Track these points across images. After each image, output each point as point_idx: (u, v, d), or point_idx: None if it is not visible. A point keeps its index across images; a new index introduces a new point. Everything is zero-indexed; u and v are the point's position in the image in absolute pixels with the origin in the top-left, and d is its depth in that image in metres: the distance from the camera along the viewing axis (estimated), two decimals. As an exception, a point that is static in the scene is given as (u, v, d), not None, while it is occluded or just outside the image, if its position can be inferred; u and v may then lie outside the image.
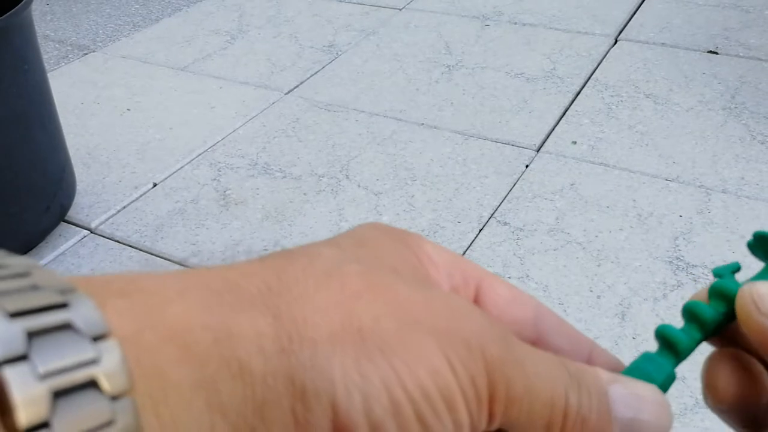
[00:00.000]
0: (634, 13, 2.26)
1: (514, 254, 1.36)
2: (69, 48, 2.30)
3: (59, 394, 0.14)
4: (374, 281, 0.20)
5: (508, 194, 1.52)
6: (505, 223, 1.44)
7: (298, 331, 0.18)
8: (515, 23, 2.24)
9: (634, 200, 1.48)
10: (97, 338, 0.15)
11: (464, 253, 1.37)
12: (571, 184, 1.54)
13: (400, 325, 0.19)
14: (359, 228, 0.23)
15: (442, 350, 0.19)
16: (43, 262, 1.42)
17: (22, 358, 0.14)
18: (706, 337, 0.24)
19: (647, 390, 0.22)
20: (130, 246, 1.46)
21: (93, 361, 0.15)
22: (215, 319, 0.17)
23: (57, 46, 2.32)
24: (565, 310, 1.24)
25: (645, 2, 2.32)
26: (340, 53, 2.14)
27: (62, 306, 0.15)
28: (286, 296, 0.19)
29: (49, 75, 1.47)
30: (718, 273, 0.25)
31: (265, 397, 0.17)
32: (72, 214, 1.54)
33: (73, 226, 1.51)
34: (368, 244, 0.22)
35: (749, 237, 0.26)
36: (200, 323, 0.17)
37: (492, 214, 1.47)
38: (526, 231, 1.42)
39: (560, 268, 1.33)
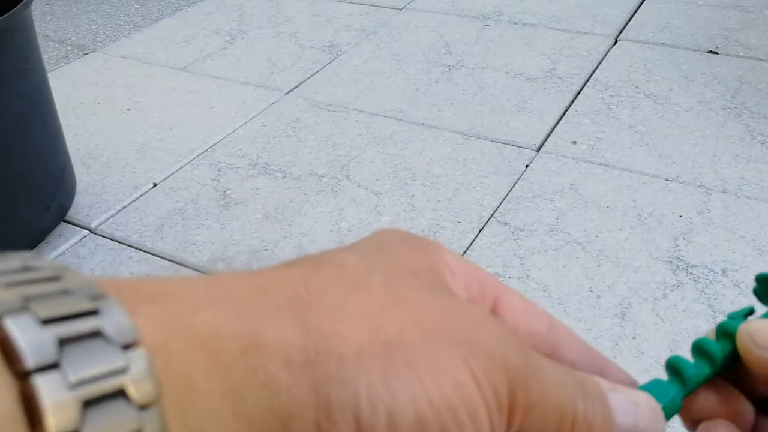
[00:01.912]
0: (634, 13, 2.26)
1: (514, 254, 1.36)
2: (69, 48, 2.30)
3: (89, 403, 0.14)
4: (398, 292, 0.20)
5: (508, 194, 1.52)
6: (505, 223, 1.44)
7: (325, 343, 0.18)
8: (515, 23, 2.24)
9: (634, 200, 1.48)
10: (126, 346, 0.15)
11: (464, 253, 1.37)
12: (571, 184, 1.54)
13: (423, 337, 0.19)
14: (380, 233, 0.23)
15: (465, 361, 0.19)
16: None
17: (53, 366, 0.14)
18: (715, 372, 0.25)
19: (643, 398, 0.23)
20: (130, 246, 1.46)
21: (122, 370, 0.15)
22: (243, 328, 0.17)
23: (57, 46, 2.32)
24: (565, 310, 1.24)
25: (645, 2, 2.32)
26: (340, 53, 2.14)
27: (93, 313, 0.15)
28: (316, 307, 0.19)
29: (49, 75, 1.47)
30: (731, 317, 0.26)
31: (291, 407, 0.17)
32: (72, 214, 1.54)
33: (73, 226, 1.51)
34: (390, 250, 0.22)
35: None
36: (229, 331, 0.17)
37: (492, 214, 1.47)
38: (526, 231, 1.42)
39: (560, 268, 1.33)
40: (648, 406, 0.23)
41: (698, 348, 0.25)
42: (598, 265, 1.33)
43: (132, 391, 0.15)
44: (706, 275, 1.29)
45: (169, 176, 1.65)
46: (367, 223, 1.46)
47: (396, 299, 0.20)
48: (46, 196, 1.44)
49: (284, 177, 1.62)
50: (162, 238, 1.47)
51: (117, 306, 0.16)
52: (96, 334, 0.15)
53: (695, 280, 1.28)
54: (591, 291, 1.27)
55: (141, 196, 1.60)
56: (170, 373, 0.16)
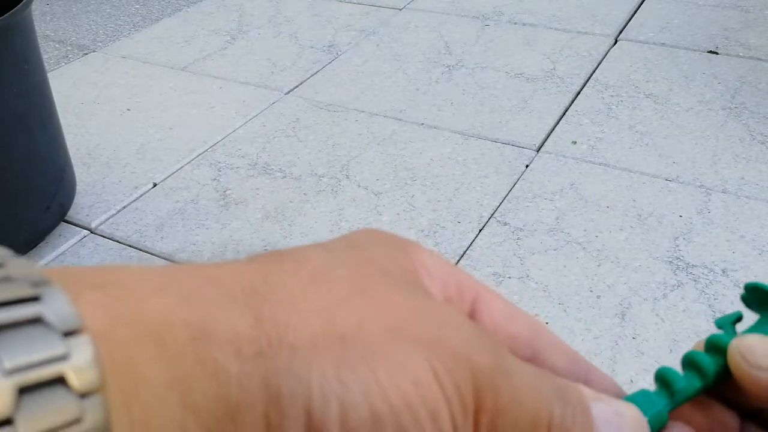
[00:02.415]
0: (634, 13, 2.26)
1: (514, 254, 1.36)
2: (69, 48, 2.30)
3: (25, 391, 0.14)
4: (362, 286, 0.20)
5: (508, 194, 1.52)
6: (505, 223, 1.44)
7: (278, 334, 0.18)
8: (515, 23, 2.24)
9: (634, 200, 1.48)
10: (68, 333, 0.15)
11: (464, 253, 1.37)
12: (571, 184, 1.54)
13: (384, 332, 0.18)
14: (356, 233, 0.23)
15: (427, 359, 0.18)
16: (43, 262, 1.42)
17: None
18: (706, 386, 0.24)
19: (628, 409, 0.22)
20: (130, 246, 1.46)
21: (62, 357, 0.14)
22: (193, 316, 0.17)
23: (57, 46, 2.32)
24: (565, 310, 1.24)
25: (645, 2, 2.32)
26: (340, 53, 2.14)
27: (34, 299, 0.15)
28: (271, 299, 0.18)
29: (49, 75, 1.47)
30: (719, 324, 0.25)
31: (240, 399, 0.17)
32: (72, 214, 1.54)
33: (73, 226, 1.51)
34: (361, 247, 0.22)
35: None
36: (178, 319, 0.17)
37: (492, 214, 1.47)
38: (526, 231, 1.42)
39: (560, 268, 1.33)
40: (633, 418, 0.22)
41: (689, 361, 0.24)
42: (598, 265, 1.33)
43: (72, 379, 0.14)
44: (706, 275, 1.29)
45: (169, 176, 1.65)
46: (367, 223, 1.46)
47: (359, 293, 0.19)
48: (46, 196, 1.44)
49: (284, 177, 1.62)
50: (162, 238, 1.47)
51: (60, 292, 0.15)
52: (36, 321, 0.15)
53: (695, 280, 1.28)
54: (591, 291, 1.27)
55: (141, 196, 1.60)
56: (114, 361, 0.15)
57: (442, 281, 0.23)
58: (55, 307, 0.15)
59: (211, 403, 0.16)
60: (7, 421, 0.13)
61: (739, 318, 0.25)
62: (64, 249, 1.46)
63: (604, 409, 0.21)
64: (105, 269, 0.18)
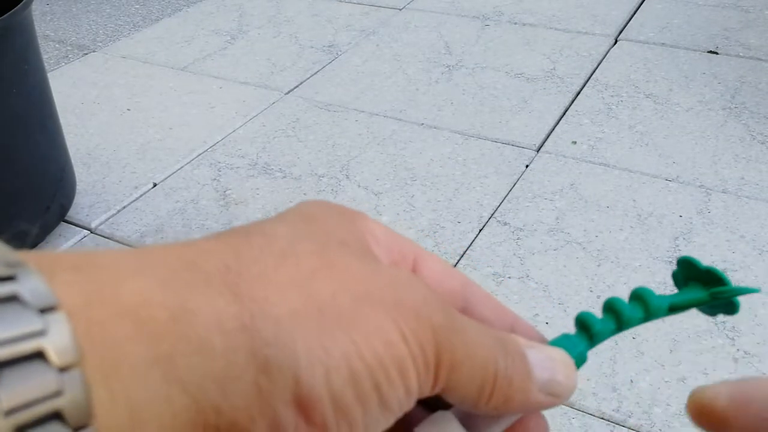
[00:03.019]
0: (634, 13, 2.26)
1: (514, 254, 1.36)
2: (69, 48, 2.30)
3: (5, 365, 0.14)
4: (327, 258, 0.21)
5: (508, 194, 1.52)
6: (505, 223, 1.44)
7: (260, 309, 0.18)
8: (515, 23, 2.24)
9: (634, 200, 1.48)
10: (44, 310, 0.15)
11: (464, 253, 1.37)
12: (571, 184, 1.54)
13: (354, 300, 0.20)
14: (305, 204, 0.24)
15: (394, 321, 0.20)
16: (43, 262, 1.42)
17: None
18: (620, 330, 0.26)
19: (557, 353, 0.24)
20: (130, 246, 1.46)
21: (40, 333, 0.15)
22: (172, 297, 0.17)
23: (57, 46, 2.32)
24: (565, 310, 1.24)
25: (645, 2, 2.32)
26: (340, 53, 2.14)
27: (9, 278, 0.15)
28: (246, 275, 0.19)
29: (49, 75, 1.47)
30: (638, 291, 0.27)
31: (227, 371, 0.17)
32: (72, 214, 1.54)
33: (73, 226, 1.51)
34: (317, 221, 0.23)
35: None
36: (156, 301, 0.17)
37: (492, 214, 1.47)
38: (526, 231, 1.42)
39: (560, 268, 1.33)
40: (562, 361, 0.24)
41: (609, 306, 0.26)
42: (598, 265, 1.33)
43: (51, 354, 0.15)
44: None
45: (169, 176, 1.65)
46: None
47: (326, 266, 0.21)
48: (46, 196, 1.44)
49: (284, 177, 1.62)
50: (162, 238, 1.47)
51: (35, 273, 0.16)
52: (11, 299, 0.15)
53: (695, 280, 1.28)
54: (591, 291, 1.27)
55: (141, 196, 1.60)
56: (92, 339, 0.16)
57: (387, 247, 0.25)
58: (30, 286, 0.15)
59: (197, 376, 0.17)
60: None
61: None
62: (64, 249, 1.46)
63: (537, 355, 0.23)
64: (81, 253, 0.18)
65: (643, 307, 0.26)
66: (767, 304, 1.19)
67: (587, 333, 0.26)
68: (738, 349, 1.15)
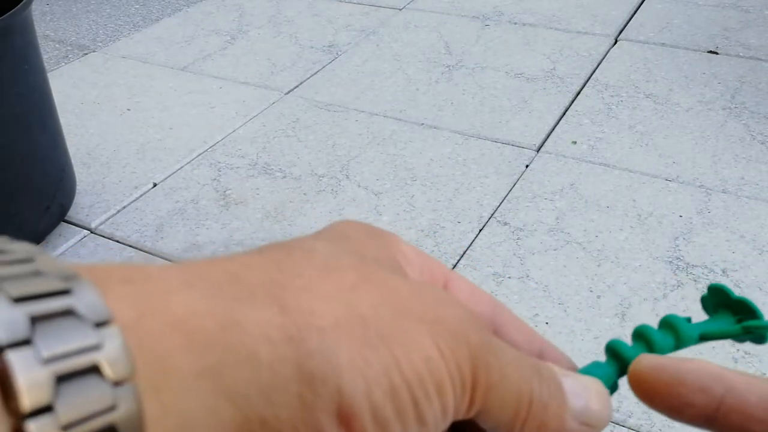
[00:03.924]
0: (634, 13, 2.26)
1: (514, 254, 1.36)
2: (69, 48, 2.30)
3: (62, 379, 0.14)
4: (366, 273, 0.21)
5: (508, 194, 1.52)
6: (505, 223, 1.44)
7: (305, 320, 0.19)
8: (515, 23, 2.24)
9: (634, 200, 1.48)
10: (99, 324, 0.15)
11: (464, 253, 1.37)
12: (571, 184, 1.54)
13: (394, 314, 0.20)
14: (340, 224, 0.24)
15: (432, 337, 0.20)
16: (43, 262, 1.41)
17: (25, 342, 0.14)
18: None
19: (593, 383, 0.24)
20: (130, 246, 1.46)
21: (95, 347, 0.15)
22: (220, 309, 0.18)
23: (57, 46, 2.32)
24: (565, 310, 1.24)
25: (645, 2, 2.32)
26: (340, 53, 2.14)
27: (65, 292, 0.15)
28: (290, 288, 0.19)
29: (49, 75, 1.47)
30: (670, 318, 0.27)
31: (273, 382, 0.17)
32: (72, 214, 1.54)
33: (73, 226, 1.51)
34: (350, 238, 0.23)
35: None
36: (205, 311, 0.17)
37: (492, 214, 1.47)
38: (526, 231, 1.42)
39: (560, 268, 1.33)
40: (597, 390, 0.24)
41: (639, 333, 0.26)
42: (598, 265, 1.33)
43: (105, 368, 0.15)
44: (706, 275, 1.29)
45: (169, 176, 1.65)
46: (368, 223, 1.46)
47: (366, 280, 0.21)
48: (46, 196, 1.44)
49: (284, 177, 1.62)
50: (162, 238, 1.47)
51: (89, 286, 0.16)
52: (68, 313, 0.15)
53: (695, 280, 1.28)
54: (591, 291, 1.27)
55: (141, 196, 1.60)
56: (144, 351, 0.16)
57: (418, 267, 0.25)
58: (85, 300, 0.15)
59: (243, 387, 0.17)
60: (47, 408, 0.14)
61: (687, 321, 0.27)
62: (64, 249, 1.46)
63: (572, 383, 0.23)
64: (130, 266, 0.18)
65: (674, 335, 0.26)
66: (767, 304, 1.19)
67: (618, 362, 0.25)
68: (738, 350, 1.15)
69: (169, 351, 0.16)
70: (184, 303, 0.17)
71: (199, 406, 0.16)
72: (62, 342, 0.15)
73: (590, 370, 0.25)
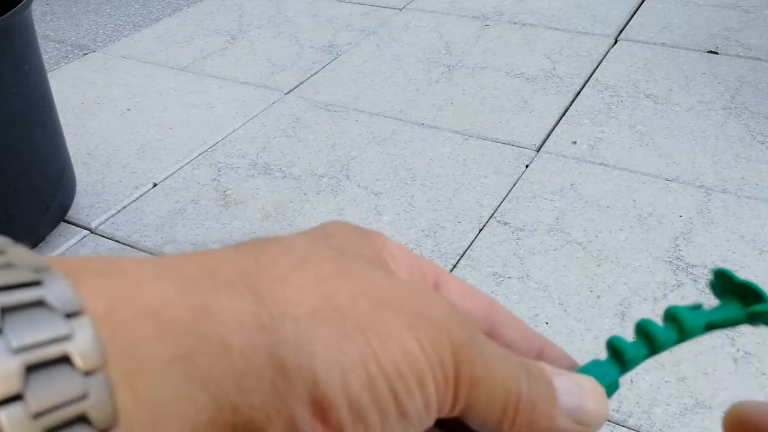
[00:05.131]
0: (634, 13, 2.26)
1: (514, 254, 1.36)
2: (69, 48, 2.30)
3: (32, 369, 0.14)
4: (345, 265, 0.21)
5: (508, 194, 1.52)
6: (505, 223, 1.44)
7: (279, 309, 0.18)
8: (515, 23, 2.24)
9: (634, 200, 1.48)
10: (70, 315, 0.15)
11: (464, 253, 1.37)
12: (571, 184, 1.54)
13: (372, 305, 0.20)
14: (326, 224, 0.24)
15: (411, 330, 0.19)
16: (43, 262, 1.42)
17: None
18: (653, 354, 0.25)
19: (587, 381, 0.23)
20: (130, 246, 1.46)
21: (66, 337, 0.15)
22: (193, 299, 0.18)
23: (57, 46, 2.32)
24: (565, 310, 1.24)
25: (645, 2, 2.32)
26: (340, 53, 2.14)
27: (36, 284, 0.15)
28: (265, 278, 0.19)
29: (49, 75, 1.47)
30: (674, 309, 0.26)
31: (246, 369, 0.17)
32: (72, 214, 1.54)
33: (73, 226, 1.51)
34: (333, 236, 0.23)
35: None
36: (178, 302, 0.17)
37: (492, 214, 1.47)
38: (526, 231, 1.42)
39: (560, 268, 1.33)
40: (592, 388, 0.23)
41: (641, 329, 0.25)
42: (598, 265, 1.33)
43: (76, 358, 0.15)
44: (706, 275, 1.29)
45: (169, 176, 1.65)
46: (368, 224, 1.46)
47: (343, 271, 0.20)
48: (46, 196, 1.44)
49: (284, 177, 1.62)
50: (162, 238, 1.47)
51: (60, 277, 0.16)
52: (38, 303, 0.15)
53: (695, 280, 1.28)
54: (591, 291, 1.27)
55: (141, 196, 1.60)
56: (116, 341, 0.16)
57: (407, 266, 0.24)
58: (56, 291, 0.16)
59: (216, 375, 0.17)
60: (17, 397, 0.14)
61: (698, 307, 0.26)
62: (64, 249, 1.46)
63: (563, 381, 0.23)
64: (103, 258, 0.18)
65: (677, 327, 0.25)
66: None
67: (619, 359, 0.25)
68: (738, 349, 1.15)
69: (142, 340, 0.16)
70: (157, 294, 0.17)
71: (172, 394, 0.16)
72: (32, 332, 0.15)
73: (589, 368, 0.24)
